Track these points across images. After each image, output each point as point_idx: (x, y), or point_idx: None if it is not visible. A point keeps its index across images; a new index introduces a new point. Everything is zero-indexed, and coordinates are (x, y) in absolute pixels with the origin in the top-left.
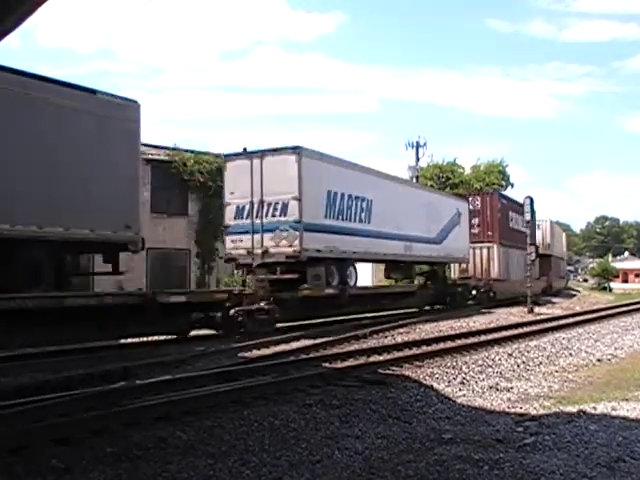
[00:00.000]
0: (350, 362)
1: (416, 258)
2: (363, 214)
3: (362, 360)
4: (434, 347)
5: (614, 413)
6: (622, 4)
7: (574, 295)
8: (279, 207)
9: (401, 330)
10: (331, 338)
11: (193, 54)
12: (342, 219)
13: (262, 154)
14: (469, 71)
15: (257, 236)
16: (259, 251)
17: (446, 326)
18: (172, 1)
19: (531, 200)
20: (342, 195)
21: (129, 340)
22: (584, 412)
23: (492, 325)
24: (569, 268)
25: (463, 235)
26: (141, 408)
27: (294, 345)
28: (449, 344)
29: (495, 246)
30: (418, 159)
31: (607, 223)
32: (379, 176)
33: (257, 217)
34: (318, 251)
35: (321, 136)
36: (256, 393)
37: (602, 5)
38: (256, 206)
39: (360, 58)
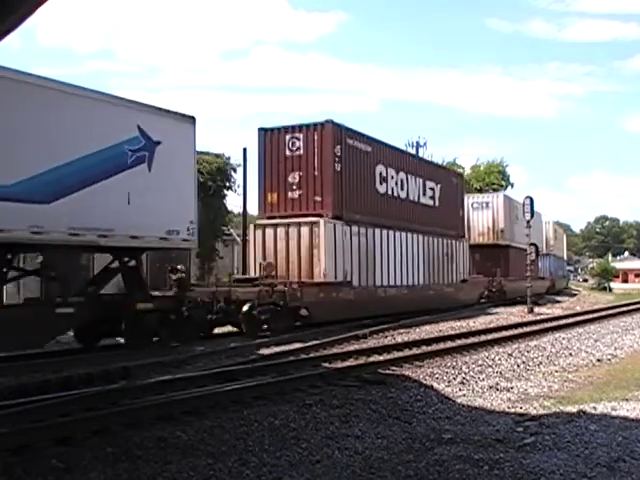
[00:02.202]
0: (350, 362)
1: None
2: None
3: (362, 360)
4: (434, 347)
5: (614, 413)
6: (622, 4)
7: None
8: None
9: (401, 330)
10: (331, 338)
11: (193, 54)
12: None
13: None
14: (469, 71)
15: None
16: None
17: (446, 326)
18: (172, 1)
19: (531, 200)
20: None
21: None
22: (584, 412)
23: (492, 325)
24: (569, 268)
25: (159, 189)
26: (141, 408)
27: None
28: (449, 344)
29: (322, 222)
30: None
31: (607, 223)
32: None
33: None
34: None
35: None
36: (256, 393)
37: (602, 5)
38: None
39: (361, 58)
